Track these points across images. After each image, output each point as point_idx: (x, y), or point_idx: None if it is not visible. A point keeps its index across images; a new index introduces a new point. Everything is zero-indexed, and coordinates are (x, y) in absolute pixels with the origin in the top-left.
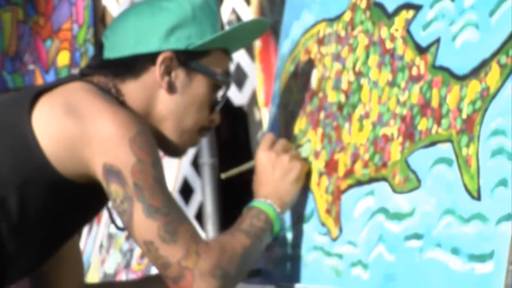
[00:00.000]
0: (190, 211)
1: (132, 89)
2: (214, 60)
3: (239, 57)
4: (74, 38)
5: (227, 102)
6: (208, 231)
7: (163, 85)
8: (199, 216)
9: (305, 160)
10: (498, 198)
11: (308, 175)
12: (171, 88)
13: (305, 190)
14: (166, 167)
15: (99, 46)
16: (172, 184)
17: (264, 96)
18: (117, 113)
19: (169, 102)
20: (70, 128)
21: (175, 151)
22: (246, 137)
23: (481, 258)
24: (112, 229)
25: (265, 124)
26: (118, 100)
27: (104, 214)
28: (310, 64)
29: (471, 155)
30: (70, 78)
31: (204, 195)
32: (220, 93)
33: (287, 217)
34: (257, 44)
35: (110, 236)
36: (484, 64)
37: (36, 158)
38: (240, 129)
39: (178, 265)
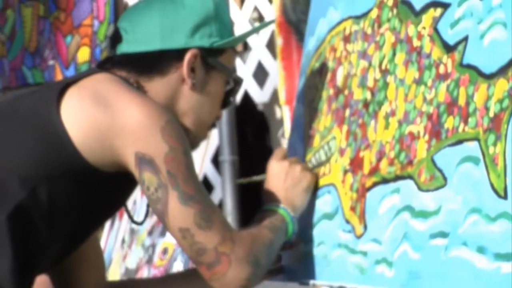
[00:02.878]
0: None
1: (157, 85)
2: (228, 57)
3: (261, 55)
4: (94, 34)
5: (249, 100)
6: None
7: (187, 82)
8: None
9: (315, 173)
10: None
11: (316, 187)
12: (194, 85)
13: (329, 187)
14: None
15: (114, 38)
16: None
17: (286, 94)
18: (145, 102)
19: (191, 98)
20: (99, 117)
21: (192, 145)
22: (268, 135)
23: (508, 257)
24: (134, 224)
25: (286, 122)
26: (141, 92)
27: None
28: (335, 62)
29: (498, 153)
30: (94, 70)
31: (224, 192)
32: (228, 88)
33: (311, 214)
34: (279, 42)
35: (132, 232)
36: None
37: (66, 148)
38: (262, 127)
39: (215, 250)
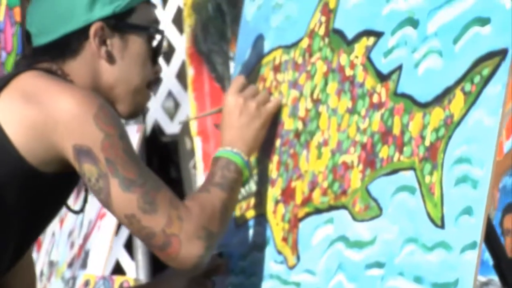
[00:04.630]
0: (120, 240)
1: (74, 68)
2: (141, 14)
3: (171, 85)
4: (2, 65)
5: (158, 134)
6: (139, 261)
7: (102, 56)
8: (129, 245)
9: (275, 102)
10: (463, 226)
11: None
12: (110, 57)
13: (259, 218)
14: None
15: (27, 34)
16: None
17: (197, 125)
18: (74, 91)
19: (113, 70)
20: (33, 115)
21: (133, 113)
22: (174, 166)
23: (445, 286)
24: (54, 256)
25: (198, 153)
26: (67, 81)
27: (44, 241)
28: (265, 92)
29: (435, 183)
30: (18, 70)
31: None
32: (154, 43)
33: (241, 245)
34: (190, 72)
35: (51, 264)
36: (448, 92)
37: (9, 154)
38: (171, 158)
39: (163, 233)
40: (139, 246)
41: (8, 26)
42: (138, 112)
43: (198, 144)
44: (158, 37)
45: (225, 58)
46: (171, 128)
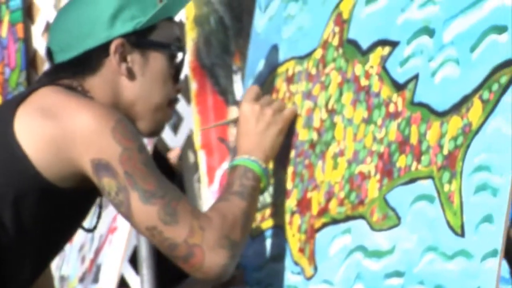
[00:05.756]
0: (119, 256)
1: (95, 84)
2: (163, 31)
3: None
4: (6, 82)
5: (161, 148)
6: (143, 275)
7: (123, 72)
8: (134, 260)
9: (291, 110)
10: (483, 234)
11: (292, 127)
12: (131, 73)
13: (275, 229)
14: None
15: (48, 54)
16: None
17: (201, 139)
18: (92, 107)
19: (133, 87)
20: (51, 130)
21: (154, 131)
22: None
23: None
24: (64, 271)
25: (202, 167)
26: (87, 97)
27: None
28: None
29: (454, 191)
30: (38, 85)
31: (139, 238)
32: (176, 61)
33: (257, 257)
34: (193, 86)
35: (62, 279)
36: (465, 100)
37: (26, 169)
38: (174, 172)
39: (186, 243)
40: (143, 260)
41: (11, 43)
42: (159, 130)
43: (202, 157)
44: (180, 55)
45: (229, 72)
46: (174, 141)
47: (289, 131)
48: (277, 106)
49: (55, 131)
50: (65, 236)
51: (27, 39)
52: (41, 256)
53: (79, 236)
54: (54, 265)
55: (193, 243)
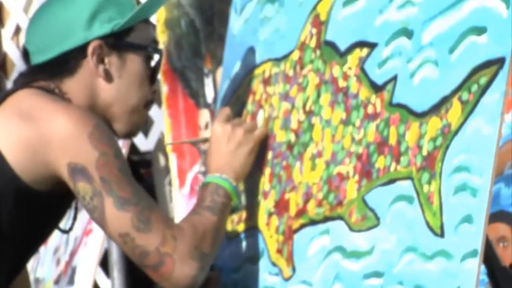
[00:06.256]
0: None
1: (72, 86)
2: (140, 33)
3: None
4: None
5: (132, 150)
6: (114, 279)
7: (100, 74)
8: (105, 263)
9: (262, 130)
10: (463, 234)
11: (263, 146)
12: (108, 75)
13: (252, 230)
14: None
15: (24, 54)
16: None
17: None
18: (70, 111)
19: (110, 89)
20: (28, 133)
21: (130, 133)
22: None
23: None
24: (39, 273)
25: (173, 170)
26: (64, 99)
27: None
28: (255, 105)
29: (433, 192)
30: (16, 87)
31: (110, 242)
32: (152, 63)
33: (234, 258)
34: (164, 89)
35: (37, 281)
36: (444, 101)
37: (4, 172)
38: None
39: (157, 252)
40: (114, 264)
41: None
42: (135, 131)
43: (173, 160)
44: (156, 56)
45: (200, 75)
46: (145, 145)
47: (261, 145)
48: (248, 126)
49: (32, 134)
50: (41, 237)
51: None
52: (17, 257)
53: (54, 238)
54: (29, 267)
55: (164, 251)
